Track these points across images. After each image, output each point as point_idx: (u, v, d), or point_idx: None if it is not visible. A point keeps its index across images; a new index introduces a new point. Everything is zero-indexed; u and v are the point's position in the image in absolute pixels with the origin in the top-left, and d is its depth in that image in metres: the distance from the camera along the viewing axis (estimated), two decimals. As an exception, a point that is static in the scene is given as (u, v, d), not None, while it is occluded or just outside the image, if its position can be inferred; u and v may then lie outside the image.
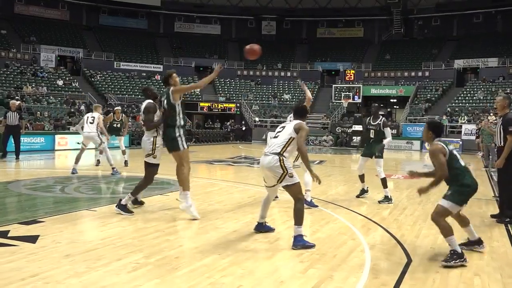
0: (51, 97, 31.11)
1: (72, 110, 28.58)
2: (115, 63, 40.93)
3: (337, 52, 44.69)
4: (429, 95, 37.79)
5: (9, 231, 5.32)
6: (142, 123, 6.83)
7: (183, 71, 42.13)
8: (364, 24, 47.58)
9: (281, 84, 42.93)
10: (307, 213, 7.00)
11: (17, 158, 14.57)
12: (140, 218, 6.29)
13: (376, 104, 9.78)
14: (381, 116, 8.62)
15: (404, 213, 7.36)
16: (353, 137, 29.80)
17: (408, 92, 38.03)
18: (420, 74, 40.63)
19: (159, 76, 41.04)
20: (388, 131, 8.46)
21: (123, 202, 6.48)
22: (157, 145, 6.60)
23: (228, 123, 36.43)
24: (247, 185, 9.99)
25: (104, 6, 44.69)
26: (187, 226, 6.02)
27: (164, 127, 6.51)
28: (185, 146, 6.51)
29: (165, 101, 6.43)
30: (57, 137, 20.65)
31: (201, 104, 38.03)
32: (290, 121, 7.93)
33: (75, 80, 36.48)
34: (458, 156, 4.88)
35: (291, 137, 5.26)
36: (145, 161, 6.72)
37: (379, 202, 8.19)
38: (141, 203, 7.16)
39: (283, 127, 5.50)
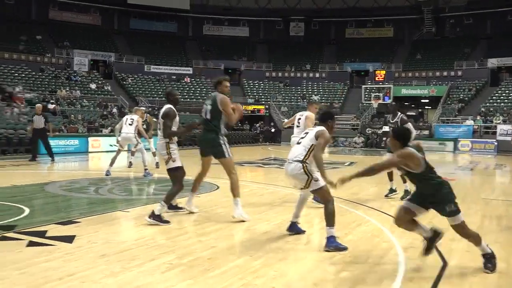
0: (85, 101, 31.81)
1: (105, 113, 29.11)
2: (145, 66, 41.56)
3: (366, 53, 44.17)
4: (462, 95, 36.92)
5: (46, 231, 5.46)
6: (160, 127, 6.43)
7: (212, 74, 42.48)
8: (393, 24, 46.88)
9: (310, 85, 42.71)
10: (338, 215, 6.95)
11: (52, 159, 14.99)
12: (173, 219, 6.35)
13: (394, 102, 9.81)
14: (399, 113, 8.58)
15: (438, 215, 7.19)
16: (384, 138, 29.39)
17: (440, 92, 37.25)
18: (452, 73, 39.74)
19: (188, 79, 41.51)
20: (409, 126, 8.34)
21: (156, 212, 6.05)
22: (171, 150, 6.29)
23: (257, 124, 36.48)
24: (277, 186, 9.97)
25: (134, 10, 45.45)
26: (219, 227, 6.04)
27: (204, 132, 6.46)
28: (230, 155, 6.45)
29: (210, 106, 6.35)
30: (91, 139, 21.10)
31: (230, 106, 38.20)
32: (300, 118, 8.01)
33: (107, 84, 37.20)
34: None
35: (312, 144, 5.26)
36: (167, 169, 6.43)
37: (401, 198, 8.22)
38: (177, 207, 6.94)
39: (306, 133, 5.48)
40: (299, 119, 8.14)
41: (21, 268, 4.16)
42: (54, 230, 5.57)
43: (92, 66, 40.02)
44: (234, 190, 6.43)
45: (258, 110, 38.01)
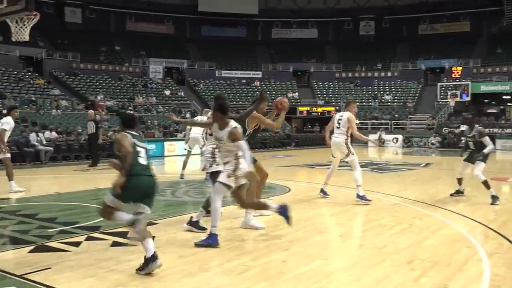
0: (160, 107, 33.13)
1: (179, 118, 30.18)
2: (216, 71, 42.57)
3: (441, 49, 42.25)
4: (548, 89, 34.32)
5: (128, 232, 5.72)
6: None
7: (281, 77, 42.77)
8: (470, 17, 44.54)
9: (381, 85, 41.63)
10: (416, 218, 6.70)
11: (91, 165, 14.98)
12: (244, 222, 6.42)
13: (470, 115, 9.43)
14: (476, 126, 8.18)
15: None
16: (462, 138, 27.99)
17: (523, 87, 34.85)
18: (537, 67, 37.08)
19: (258, 82, 41.95)
20: (486, 140, 8.06)
21: (194, 218, 5.93)
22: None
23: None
24: (350, 189, 9.78)
25: (205, 18, 46.67)
26: (292, 230, 6.03)
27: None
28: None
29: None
30: (166, 144, 21.92)
31: (300, 108, 38.12)
32: (340, 119, 8.16)
33: (180, 90, 38.54)
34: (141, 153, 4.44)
35: None
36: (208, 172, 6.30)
37: (491, 204, 7.82)
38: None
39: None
40: (339, 119, 8.12)
41: (108, 266, 4.40)
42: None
43: (166, 73, 41.62)
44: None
45: (329, 112, 37.59)
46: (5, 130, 9.20)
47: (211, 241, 5.06)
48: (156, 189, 4.58)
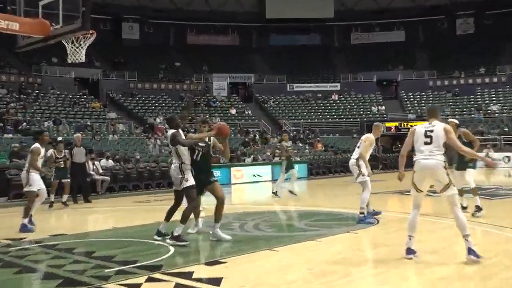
0: (225, 128, 33.78)
1: (246, 139, 30.44)
2: (288, 85, 42.86)
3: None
4: None
5: (193, 272, 5.79)
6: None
7: (363, 88, 42.23)
8: None
9: (486, 93, 39.93)
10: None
11: (74, 200, 14.31)
12: (323, 260, 6.28)
13: None
14: None
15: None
16: None
17: None
18: None
19: (336, 96, 41.70)
20: None
21: (175, 233, 7.35)
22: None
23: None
24: (450, 219, 9.33)
25: (274, 26, 47.35)
26: (382, 267, 5.81)
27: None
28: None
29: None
30: (233, 169, 22.19)
31: (387, 124, 37.23)
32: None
33: (247, 108, 39.10)
34: None
35: None
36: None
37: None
38: (165, 234, 7.74)
39: None
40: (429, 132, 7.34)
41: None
42: (200, 271, 5.89)
43: (231, 90, 42.48)
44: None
45: (422, 127, 36.48)
46: (35, 160, 9.33)
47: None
48: None
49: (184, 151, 7.59)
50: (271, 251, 7.02)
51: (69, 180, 13.84)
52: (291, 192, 14.61)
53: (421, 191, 6.42)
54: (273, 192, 14.45)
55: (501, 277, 5.39)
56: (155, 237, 7.79)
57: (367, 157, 9.39)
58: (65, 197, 13.71)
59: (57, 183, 13.59)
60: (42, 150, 9.68)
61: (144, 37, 44.69)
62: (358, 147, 9.49)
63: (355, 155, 9.48)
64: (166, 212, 7.98)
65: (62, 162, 13.64)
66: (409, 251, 6.26)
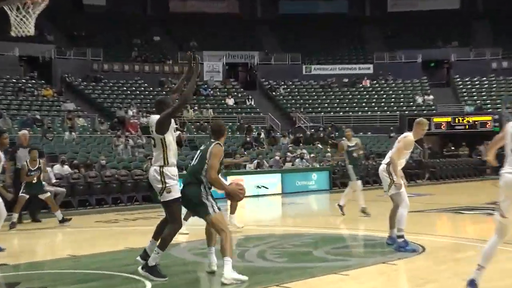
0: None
1: (248, 139, 30.15)
2: (303, 67, 42.73)
3: None
4: None
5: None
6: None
7: (404, 71, 42.05)
8: None
9: None
10: None
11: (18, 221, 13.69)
12: None
13: None
14: None
15: None
16: None
17: None
18: None
19: (367, 81, 41.56)
20: None
21: (150, 263, 7.13)
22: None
23: (481, 147, 34.85)
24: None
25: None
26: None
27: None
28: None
29: None
30: (230, 179, 22.02)
31: (436, 119, 37.16)
32: None
33: (249, 97, 38.75)
34: None
35: None
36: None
37: None
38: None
39: None
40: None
41: None
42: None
43: (228, 73, 42.23)
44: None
45: (483, 124, 36.33)
46: None
47: None
48: None
49: (172, 144, 7.29)
50: (279, 287, 7.00)
51: (48, 194, 13.64)
52: (339, 206, 14.41)
53: (506, 217, 5.87)
54: (363, 211, 13.99)
55: None
56: (138, 258, 7.63)
57: (401, 164, 9.31)
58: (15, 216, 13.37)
59: (27, 199, 13.27)
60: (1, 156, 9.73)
61: (113, 4, 44.54)
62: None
63: (386, 159, 9.58)
64: (155, 227, 7.76)
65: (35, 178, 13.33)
66: (471, 284, 5.99)
